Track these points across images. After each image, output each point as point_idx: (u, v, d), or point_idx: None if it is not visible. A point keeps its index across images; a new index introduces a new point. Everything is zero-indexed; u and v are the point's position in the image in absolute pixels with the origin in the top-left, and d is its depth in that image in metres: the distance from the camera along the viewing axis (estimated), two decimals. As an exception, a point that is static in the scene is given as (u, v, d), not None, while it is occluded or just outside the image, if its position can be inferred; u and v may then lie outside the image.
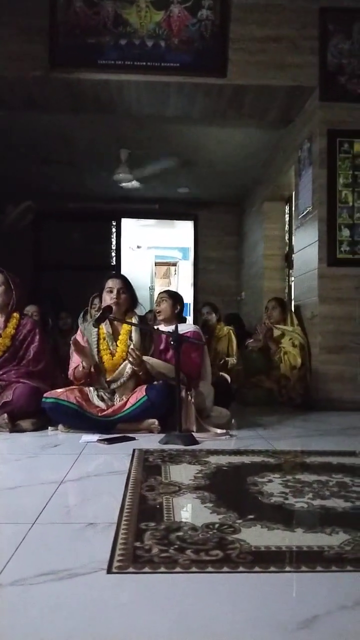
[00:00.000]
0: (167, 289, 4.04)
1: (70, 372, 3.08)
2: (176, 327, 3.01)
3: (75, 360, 3.09)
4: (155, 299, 3.84)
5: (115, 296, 3.07)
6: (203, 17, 4.12)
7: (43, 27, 4.02)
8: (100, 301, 3.19)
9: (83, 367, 2.98)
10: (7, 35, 4.01)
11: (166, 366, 3.02)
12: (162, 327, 3.47)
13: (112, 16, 4.09)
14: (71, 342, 2.99)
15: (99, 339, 3.07)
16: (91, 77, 4.10)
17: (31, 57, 4.02)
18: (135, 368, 2.97)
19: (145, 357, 3.00)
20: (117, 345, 3.05)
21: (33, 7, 4.02)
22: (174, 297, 3.59)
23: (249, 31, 4.13)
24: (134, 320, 3.11)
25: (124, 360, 3.01)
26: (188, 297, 8.41)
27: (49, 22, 4.02)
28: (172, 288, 10.37)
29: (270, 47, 4.14)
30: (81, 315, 3.25)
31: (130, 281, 3.26)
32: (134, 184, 6.53)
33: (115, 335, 3.10)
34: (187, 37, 4.11)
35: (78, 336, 3.11)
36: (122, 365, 3.02)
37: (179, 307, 3.57)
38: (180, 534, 1.38)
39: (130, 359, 2.95)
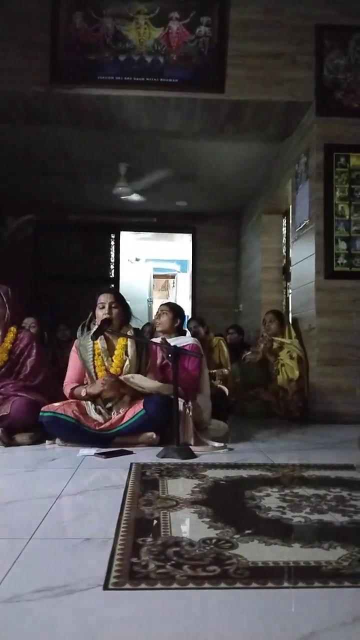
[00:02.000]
0: (168, 301, 4.03)
1: (68, 391, 3.05)
2: (163, 340, 2.99)
3: (71, 376, 3.08)
4: (154, 310, 3.82)
5: (107, 311, 3.05)
6: (201, 33, 4.18)
7: (44, 43, 4.08)
8: (95, 317, 3.17)
9: (86, 393, 2.96)
10: (8, 50, 4.07)
11: (160, 386, 2.96)
12: (159, 340, 3.47)
13: (112, 33, 4.15)
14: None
15: (94, 355, 3.05)
16: (91, 93, 4.15)
17: (32, 72, 4.07)
18: (110, 393, 2.93)
19: (136, 378, 2.95)
20: (112, 361, 3.03)
21: (34, 23, 4.08)
22: (175, 311, 3.58)
23: (247, 47, 4.19)
24: (130, 334, 3.10)
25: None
26: (186, 309, 8.44)
27: (50, 39, 4.08)
28: (171, 300, 10.40)
29: (268, 63, 4.20)
30: (79, 329, 3.24)
31: (124, 294, 3.26)
32: (134, 197, 6.57)
33: (110, 350, 3.08)
34: (186, 53, 4.17)
35: (73, 352, 3.11)
36: (99, 384, 2.95)
37: (179, 321, 3.57)
38: (177, 549, 1.38)
39: (103, 386, 2.90)
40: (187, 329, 3.84)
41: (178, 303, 4.01)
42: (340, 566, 1.30)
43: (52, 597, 1.13)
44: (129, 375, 2.96)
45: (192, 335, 5.04)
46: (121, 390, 2.96)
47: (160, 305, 3.71)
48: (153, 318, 3.78)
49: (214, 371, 4.62)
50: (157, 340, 3.42)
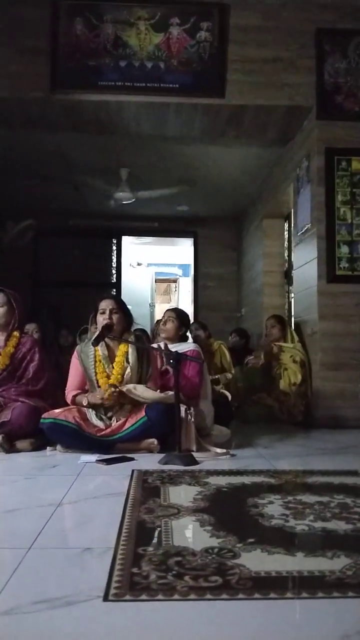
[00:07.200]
0: (175, 307, 3.99)
1: (69, 398, 3.05)
2: (165, 346, 2.98)
3: (72, 383, 3.06)
4: (158, 315, 3.79)
5: (107, 317, 3.04)
6: (201, 38, 4.18)
7: (44, 49, 4.08)
8: (94, 322, 3.16)
9: (88, 403, 2.95)
10: (8, 56, 4.07)
11: (162, 397, 2.94)
12: (163, 346, 3.45)
13: (112, 38, 4.15)
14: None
15: (95, 361, 3.02)
16: (91, 98, 4.15)
17: (32, 78, 4.07)
18: (120, 400, 2.92)
19: (139, 390, 2.92)
20: (112, 367, 3.01)
21: (35, 29, 4.08)
22: (181, 318, 3.56)
23: (247, 52, 4.19)
24: (131, 340, 3.08)
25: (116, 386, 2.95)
26: (189, 313, 8.41)
27: (50, 45, 4.08)
28: (173, 305, 10.39)
29: (268, 67, 4.20)
30: (77, 334, 3.23)
31: (126, 299, 3.24)
32: (128, 195, 6.50)
33: (111, 357, 3.06)
34: (186, 58, 4.16)
35: (74, 358, 3.09)
36: (106, 394, 2.93)
37: (184, 329, 3.56)
38: (179, 559, 1.36)
39: (104, 401, 2.89)
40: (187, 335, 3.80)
41: (184, 309, 3.98)
42: (344, 576, 1.28)
43: (51, 609, 1.11)
44: (130, 386, 2.93)
45: (193, 339, 5.03)
46: (122, 400, 2.94)
47: (167, 311, 3.66)
48: (157, 323, 3.74)
49: (217, 376, 4.60)
50: (158, 345, 3.40)
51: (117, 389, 2.91)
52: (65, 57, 4.11)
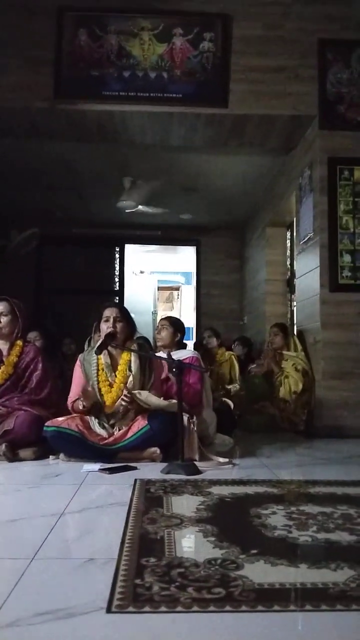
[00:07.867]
0: (168, 315, 4.03)
1: (69, 403, 3.04)
2: (169, 354, 2.98)
3: (75, 391, 3.06)
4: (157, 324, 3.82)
5: (111, 325, 3.04)
6: (205, 49, 4.22)
7: (48, 59, 4.12)
8: (98, 331, 3.16)
9: (83, 406, 2.93)
10: (13, 66, 4.11)
11: (165, 404, 2.92)
12: (162, 355, 3.46)
13: (116, 49, 4.18)
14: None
15: (98, 370, 3.02)
16: (95, 108, 4.18)
17: (36, 88, 4.11)
18: (129, 407, 2.92)
19: (143, 395, 2.91)
20: (115, 376, 3.00)
21: (39, 39, 4.12)
22: (175, 325, 3.58)
23: (250, 62, 4.22)
24: (134, 348, 3.08)
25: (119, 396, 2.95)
26: (191, 321, 8.42)
27: (54, 55, 4.12)
28: (175, 312, 10.40)
29: (271, 77, 4.22)
30: (87, 342, 3.23)
31: (128, 307, 3.25)
32: (141, 208, 6.56)
33: (114, 365, 3.05)
34: (189, 68, 4.20)
35: (77, 367, 3.09)
36: (118, 401, 2.95)
37: (179, 335, 3.57)
38: (182, 570, 1.36)
39: (123, 402, 2.90)
40: (190, 340, 3.83)
41: (179, 317, 4.02)
42: (348, 588, 1.27)
43: (54, 621, 1.11)
44: (135, 392, 2.94)
45: (204, 345, 5.05)
46: (131, 407, 2.93)
47: (160, 320, 3.70)
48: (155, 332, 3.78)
49: (229, 387, 4.60)
50: (162, 355, 3.40)
51: (129, 394, 2.90)
52: (69, 67, 4.14)
